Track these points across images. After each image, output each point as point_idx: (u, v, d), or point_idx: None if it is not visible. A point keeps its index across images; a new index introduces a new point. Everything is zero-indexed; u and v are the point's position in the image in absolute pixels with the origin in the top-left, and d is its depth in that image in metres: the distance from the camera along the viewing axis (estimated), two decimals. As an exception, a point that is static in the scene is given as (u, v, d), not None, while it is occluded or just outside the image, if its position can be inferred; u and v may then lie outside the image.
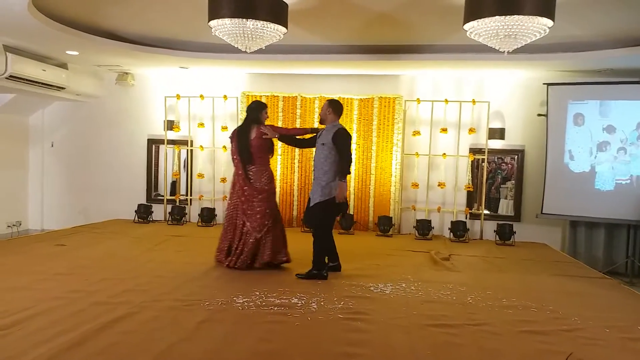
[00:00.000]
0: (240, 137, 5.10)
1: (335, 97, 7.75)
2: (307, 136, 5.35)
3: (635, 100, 6.74)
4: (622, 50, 5.85)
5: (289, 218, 8.05)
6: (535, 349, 3.20)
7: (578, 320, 3.78)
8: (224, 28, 4.63)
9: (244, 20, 4.50)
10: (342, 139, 4.79)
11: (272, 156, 5.26)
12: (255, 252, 5.00)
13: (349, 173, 4.74)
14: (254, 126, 5.08)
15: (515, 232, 7.24)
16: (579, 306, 4.17)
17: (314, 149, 5.09)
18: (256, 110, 5.17)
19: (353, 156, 7.78)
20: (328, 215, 4.91)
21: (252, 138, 5.05)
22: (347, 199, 5.12)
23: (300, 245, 5.47)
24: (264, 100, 7.99)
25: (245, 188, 5.03)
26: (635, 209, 6.62)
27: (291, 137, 5.39)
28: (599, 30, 5.57)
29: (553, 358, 3.04)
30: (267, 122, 5.22)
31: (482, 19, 4.23)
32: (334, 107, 4.94)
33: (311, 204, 4.86)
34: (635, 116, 6.71)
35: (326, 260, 4.89)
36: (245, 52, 4.93)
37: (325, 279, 4.72)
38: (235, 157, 5.13)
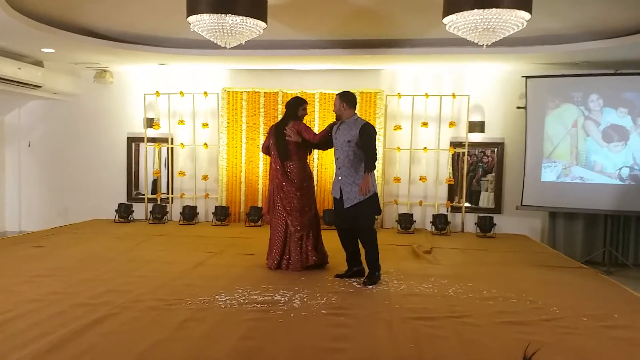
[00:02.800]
0: (277, 132, 4.98)
1: (317, 92, 7.80)
2: None
3: (612, 92, 6.85)
4: (597, 43, 5.94)
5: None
6: (515, 339, 3.23)
7: (557, 310, 3.84)
8: (202, 24, 4.59)
9: (223, 15, 4.46)
10: (368, 133, 4.54)
11: (310, 153, 5.16)
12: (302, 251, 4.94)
13: (375, 168, 4.55)
14: (291, 122, 4.96)
15: (495, 224, 7.32)
16: (558, 296, 4.24)
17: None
18: (294, 106, 5.03)
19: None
20: (371, 212, 4.68)
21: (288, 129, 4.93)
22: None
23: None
24: (244, 97, 7.98)
25: (284, 184, 4.94)
26: (612, 199, 6.74)
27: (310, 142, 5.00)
28: (575, 23, 5.65)
29: (532, 348, 3.08)
30: (303, 120, 5.07)
31: (461, 13, 4.25)
32: (348, 100, 4.64)
33: (349, 205, 4.54)
34: (611, 108, 6.82)
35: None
36: (225, 47, 4.89)
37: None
38: (273, 152, 5.03)
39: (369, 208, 4.59)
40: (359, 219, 4.58)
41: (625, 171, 6.78)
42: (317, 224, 5.11)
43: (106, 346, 2.99)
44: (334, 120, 4.81)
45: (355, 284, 4.51)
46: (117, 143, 8.43)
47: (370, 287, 4.43)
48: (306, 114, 5.11)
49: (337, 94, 4.73)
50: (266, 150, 5.19)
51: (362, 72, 7.83)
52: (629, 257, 7.06)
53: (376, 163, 4.60)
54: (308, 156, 5.16)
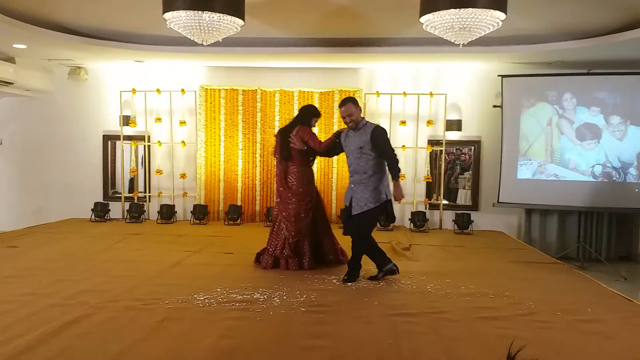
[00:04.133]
0: (282, 134, 4.95)
1: (295, 90, 7.79)
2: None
3: (585, 91, 6.99)
4: (571, 43, 6.05)
5: (252, 213, 8.01)
6: (492, 334, 3.29)
7: (532, 304, 3.91)
8: (179, 20, 4.53)
9: (200, 12, 4.41)
10: (382, 137, 4.43)
11: (312, 161, 5.07)
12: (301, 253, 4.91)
13: (399, 171, 4.43)
14: (299, 126, 4.89)
15: (472, 221, 7.42)
16: (534, 291, 4.32)
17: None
18: (308, 114, 4.97)
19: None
20: (375, 221, 4.64)
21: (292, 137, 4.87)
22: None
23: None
24: (222, 94, 7.92)
25: (281, 189, 4.90)
26: (585, 196, 6.89)
27: (316, 151, 4.96)
28: (549, 23, 5.75)
29: (509, 342, 3.12)
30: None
31: (438, 12, 4.29)
32: (357, 103, 4.56)
33: (358, 211, 4.40)
34: (584, 107, 6.96)
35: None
36: (202, 45, 4.85)
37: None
38: (276, 155, 5.00)
39: (373, 216, 4.51)
40: (358, 227, 4.49)
41: (598, 168, 6.93)
42: (315, 229, 5.01)
43: (81, 347, 2.94)
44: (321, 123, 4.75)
45: (334, 281, 4.52)
46: (92, 141, 8.27)
47: (349, 284, 4.44)
48: (315, 126, 5.06)
49: (346, 100, 4.54)
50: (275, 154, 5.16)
51: (341, 70, 7.85)
52: (601, 252, 7.22)
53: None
54: (311, 163, 5.08)
